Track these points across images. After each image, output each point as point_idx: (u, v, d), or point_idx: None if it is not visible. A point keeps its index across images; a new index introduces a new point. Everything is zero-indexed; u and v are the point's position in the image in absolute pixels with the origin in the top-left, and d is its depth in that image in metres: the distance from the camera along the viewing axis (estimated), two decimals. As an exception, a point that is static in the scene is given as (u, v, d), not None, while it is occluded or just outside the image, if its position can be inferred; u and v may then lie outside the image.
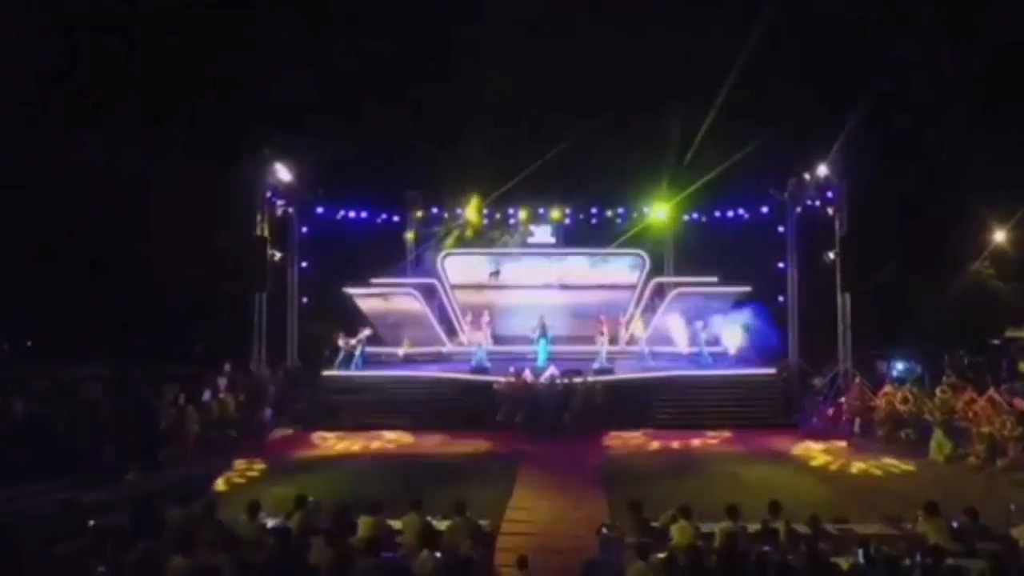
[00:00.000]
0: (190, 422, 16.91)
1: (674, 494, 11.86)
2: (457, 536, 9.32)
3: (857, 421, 19.06)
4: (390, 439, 18.68)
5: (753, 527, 9.47)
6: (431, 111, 29.78)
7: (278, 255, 23.57)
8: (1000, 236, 23.21)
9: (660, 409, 20.43)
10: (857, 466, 15.88)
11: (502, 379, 20.77)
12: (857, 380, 19.97)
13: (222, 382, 18.96)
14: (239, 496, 12.34)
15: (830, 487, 14.25)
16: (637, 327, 24.16)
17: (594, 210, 28.07)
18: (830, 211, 23.30)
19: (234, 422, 18.30)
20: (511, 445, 17.63)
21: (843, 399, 20.04)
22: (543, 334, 23.37)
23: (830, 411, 20.11)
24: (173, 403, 17.10)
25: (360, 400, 21.34)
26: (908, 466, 15.86)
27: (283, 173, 23.75)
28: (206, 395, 18.07)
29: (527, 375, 20.68)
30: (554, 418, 19.59)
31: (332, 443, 18.21)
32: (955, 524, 9.61)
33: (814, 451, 17.17)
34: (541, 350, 23.14)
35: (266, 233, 23.15)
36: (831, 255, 23.05)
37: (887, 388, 18.90)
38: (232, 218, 23.48)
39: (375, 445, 17.87)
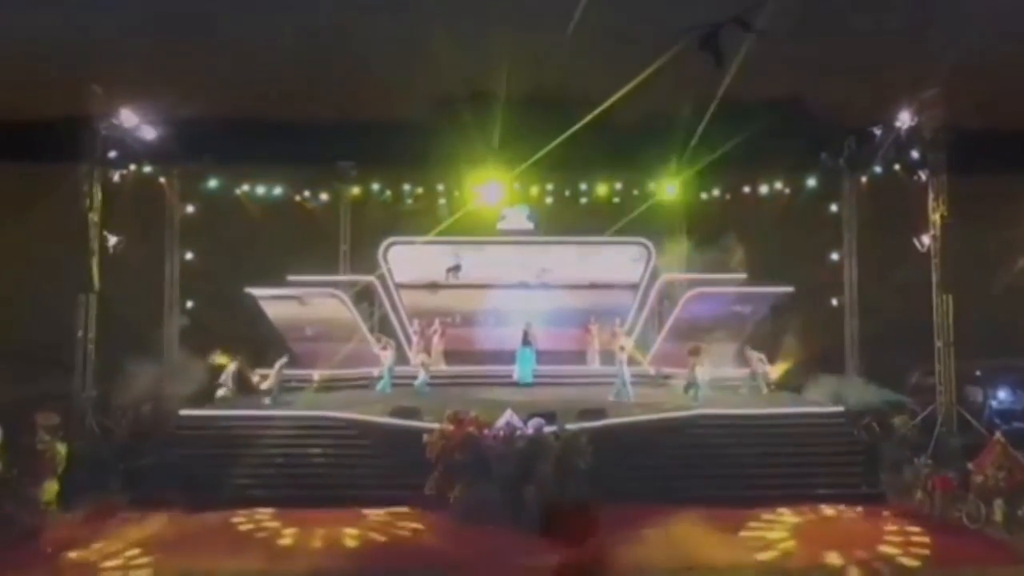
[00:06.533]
0: None
1: None
2: None
3: (998, 505, 11.83)
4: (237, 537, 11.67)
5: None
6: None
7: (114, 239, 16.70)
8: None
9: (678, 474, 14.20)
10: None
11: (436, 427, 13.71)
12: (998, 436, 12.69)
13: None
14: None
15: None
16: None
17: (583, 186, 22.65)
18: (922, 176, 16.31)
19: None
20: (432, 548, 11.54)
21: (970, 465, 12.76)
22: (527, 342, 19.91)
23: (939, 480, 12.93)
24: None
25: (223, 457, 14.55)
26: None
27: (140, 127, 17.53)
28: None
29: (469, 422, 13.57)
30: (511, 493, 12.76)
31: (132, 550, 10.86)
32: None
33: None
34: (523, 363, 19.46)
35: (97, 206, 16.36)
36: (925, 240, 16.14)
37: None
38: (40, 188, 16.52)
39: (196, 565, 10.35)
